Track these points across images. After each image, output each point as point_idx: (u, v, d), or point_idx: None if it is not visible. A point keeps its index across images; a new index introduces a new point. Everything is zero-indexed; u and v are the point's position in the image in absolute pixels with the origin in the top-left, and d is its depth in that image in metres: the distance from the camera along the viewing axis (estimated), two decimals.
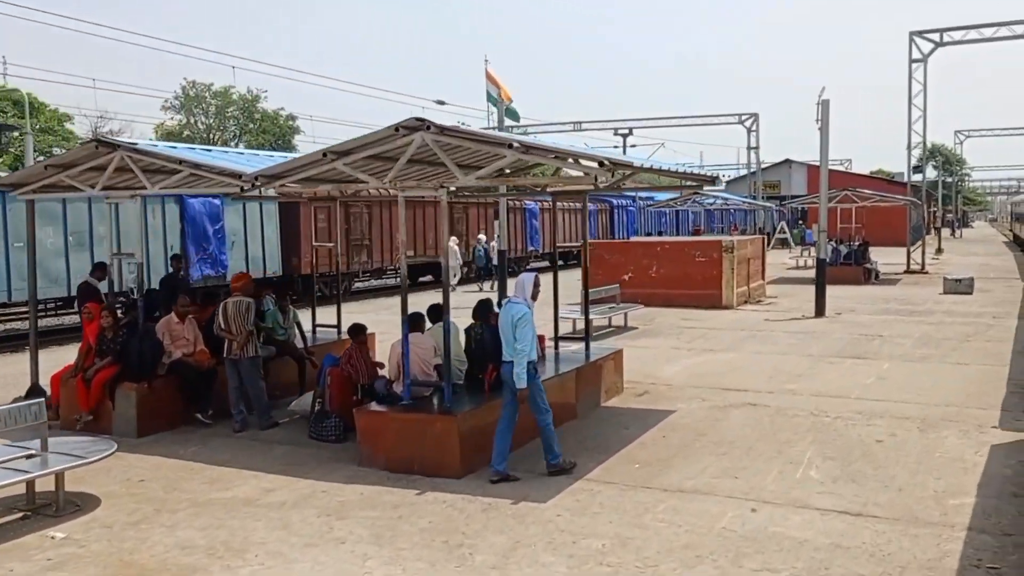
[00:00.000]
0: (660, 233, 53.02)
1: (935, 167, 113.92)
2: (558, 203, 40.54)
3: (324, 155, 7.91)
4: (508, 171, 9.04)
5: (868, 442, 8.33)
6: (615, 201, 42.65)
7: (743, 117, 50.38)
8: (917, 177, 38.72)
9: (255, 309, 9.22)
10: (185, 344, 9.37)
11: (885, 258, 36.37)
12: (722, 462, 7.73)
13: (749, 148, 50.41)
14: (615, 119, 53.22)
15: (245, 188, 8.25)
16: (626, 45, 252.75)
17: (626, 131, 53.72)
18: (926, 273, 31.11)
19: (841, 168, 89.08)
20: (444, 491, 6.93)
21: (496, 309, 9.42)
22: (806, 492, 6.86)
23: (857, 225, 29.07)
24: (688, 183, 10.53)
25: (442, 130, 7.52)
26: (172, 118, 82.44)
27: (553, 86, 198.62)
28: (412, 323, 8.26)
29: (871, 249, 29.93)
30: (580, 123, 54.04)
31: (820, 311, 18.38)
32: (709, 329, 16.50)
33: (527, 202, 42.07)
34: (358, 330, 9.49)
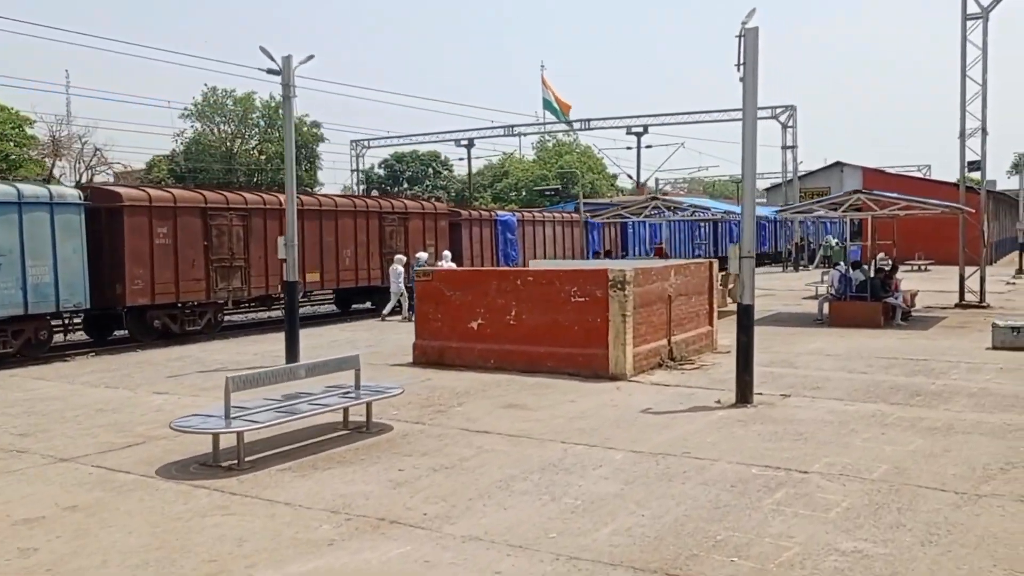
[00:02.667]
0: (697, 253, 45.14)
1: None
2: (539, 215, 32.56)
3: None
4: None
5: None
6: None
7: (776, 110, 42.13)
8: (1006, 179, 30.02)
9: None
10: None
11: (940, 284, 27.94)
12: None
13: (784, 147, 42.06)
14: (628, 115, 45.59)
15: None
16: (644, 31, 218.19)
17: (640, 129, 46.08)
18: (985, 307, 22.67)
19: (919, 174, 79.02)
20: None
21: None
22: None
23: (885, 242, 20.98)
24: None
25: None
26: (192, 126, 78.87)
27: (563, 78, 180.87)
28: None
29: (908, 274, 21.78)
30: (588, 121, 46.64)
31: (743, 396, 10.70)
32: (508, 439, 9.07)
33: (499, 213, 34.98)
34: None
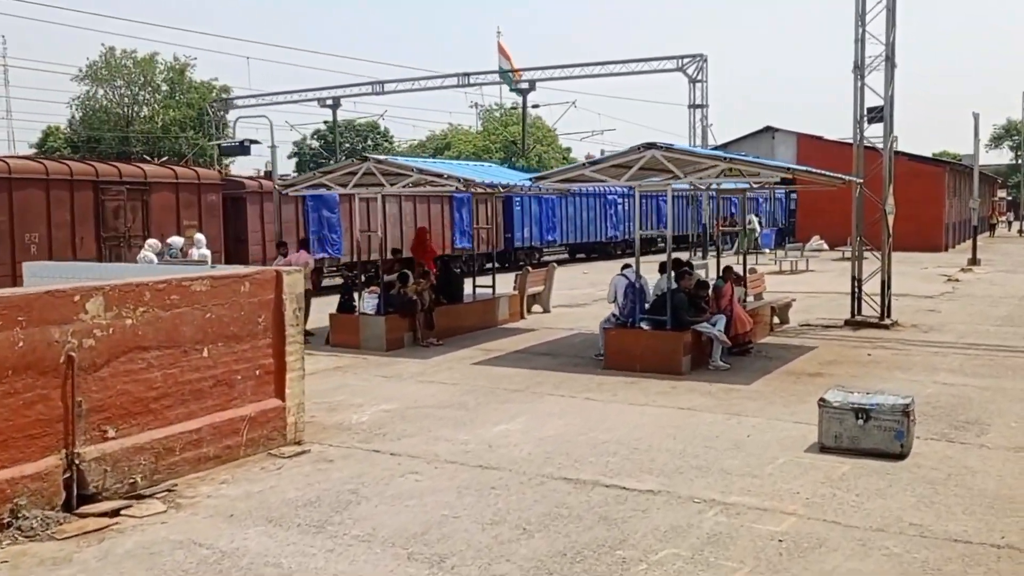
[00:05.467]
0: (612, 235, 37.53)
1: (1011, 147, 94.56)
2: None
3: None
4: None
5: None
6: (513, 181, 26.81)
7: (683, 61, 34.28)
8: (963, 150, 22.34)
9: None
10: None
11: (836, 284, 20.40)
12: None
13: (692, 107, 34.24)
14: (512, 69, 37.63)
15: None
16: None
17: (525, 85, 38.18)
18: (887, 326, 15.13)
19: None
20: None
21: None
22: None
23: (729, 229, 13.92)
24: None
25: None
26: (85, 91, 70.15)
27: (433, 25, 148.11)
28: None
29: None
30: (468, 75, 38.69)
31: None
32: None
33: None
34: None
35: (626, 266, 12.22)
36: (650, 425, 8.64)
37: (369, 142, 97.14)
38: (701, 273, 14.16)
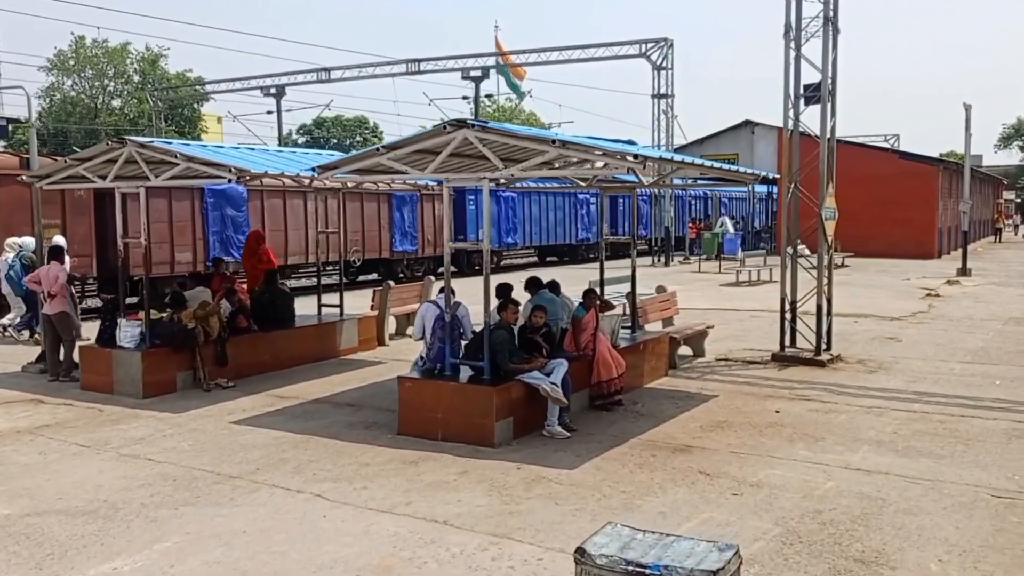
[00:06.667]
0: (582, 236, 34.18)
1: (1021, 148, 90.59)
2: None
3: None
4: None
5: None
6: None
7: (647, 46, 30.90)
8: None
9: None
10: None
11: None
12: None
13: (656, 96, 30.85)
14: (465, 55, 34.41)
15: None
16: None
17: (479, 73, 34.89)
18: (825, 363, 11.79)
19: (884, 144, 67.73)
20: None
21: None
22: None
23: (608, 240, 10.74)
24: None
25: None
26: (55, 82, 67.89)
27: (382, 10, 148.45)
28: None
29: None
30: (418, 61, 35.44)
31: None
32: None
33: (210, 184, 23.94)
34: None
35: (442, 290, 8.94)
36: (349, 562, 5.36)
37: (358, 138, 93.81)
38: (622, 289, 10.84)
